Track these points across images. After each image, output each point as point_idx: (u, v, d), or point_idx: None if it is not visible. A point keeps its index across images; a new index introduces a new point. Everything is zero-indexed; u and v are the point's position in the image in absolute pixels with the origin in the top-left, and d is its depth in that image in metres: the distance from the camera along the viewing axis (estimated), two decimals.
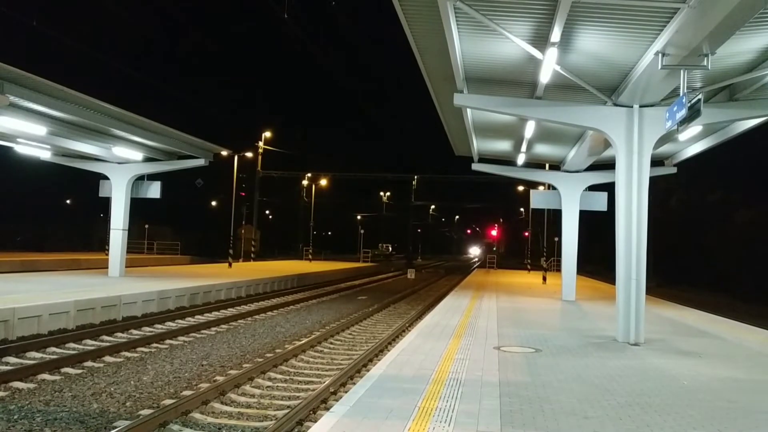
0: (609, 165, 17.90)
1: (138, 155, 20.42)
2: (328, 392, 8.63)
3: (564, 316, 15.66)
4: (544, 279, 30.40)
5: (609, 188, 18.61)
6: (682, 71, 9.21)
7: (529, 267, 44.71)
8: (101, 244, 41.62)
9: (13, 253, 38.68)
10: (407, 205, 73.18)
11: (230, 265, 31.92)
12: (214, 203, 68.54)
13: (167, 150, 20.83)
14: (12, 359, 10.22)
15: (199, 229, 68.72)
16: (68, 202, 75.99)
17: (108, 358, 10.64)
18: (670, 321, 15.06)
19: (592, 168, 19.60)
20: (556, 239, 31.89)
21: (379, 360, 9.93)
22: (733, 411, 6.68)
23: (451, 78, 11.73)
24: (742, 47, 9.44)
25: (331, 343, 13.41)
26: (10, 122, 14.82)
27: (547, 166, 21.80)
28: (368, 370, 9.04)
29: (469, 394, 6.93)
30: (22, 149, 19.36)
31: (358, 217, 79.92)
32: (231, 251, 33.75)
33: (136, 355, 11.11)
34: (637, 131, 11.14)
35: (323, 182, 56.70)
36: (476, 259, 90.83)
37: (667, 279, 43.54)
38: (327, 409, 7.14)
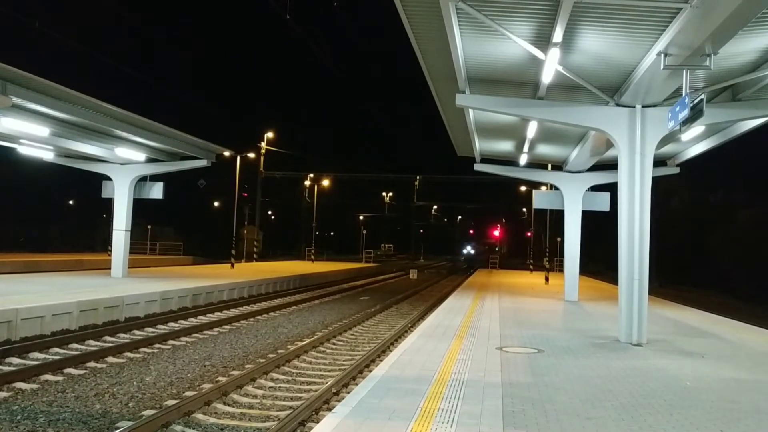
0: (611, 165, 17.89)
1: (140, 156, 20.44)
2: (330, 393, 8.63)
3: (566, 316, 15.65)
4: (547, 279, 30.38)
5: (612, 188, 18.60)
6: (684, 71, 9.20)
7: (531, 267, 44.67)
8: (104, 244, 41.71)
9: (16, 253, 38.77)
10: (409, 205, 73.27)
11: (232, 265, 31.94)
12: (216, 204, 68.61)
13: (170, 151, 20.85)
14: (15, 360, 10.24)
15: (202, 229, 68.79)
16: (71, 203, 76.13)
17: (111, 359, 10.65)
18: (672, 321, 15.04)
19: (595, 168, 19.58)
20: (559, 239, 31.86)
21: (381, 360, 9.93)
22: (735, 411, 6.66)
23: (453, 78, 11.73)
24: (744, 47, 9.42)
25: (334, 344, 13.42)
26: (13, 123, 14.85)
27: (549, 166, 21.80)
28: (371, 371, 9.04)
29: (472, 395, 6.93)
30: (25, 150, 19.40)
31: (360, 218, 79.95)
32: (233, 252, 33.79)
33: (138, 355, 11.12)
34: (640, 131, 11.13)
35: (325, 183, 56.69)
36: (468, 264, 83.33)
37: (670, 279, 43.47)
38: (329, 409, 7.14)
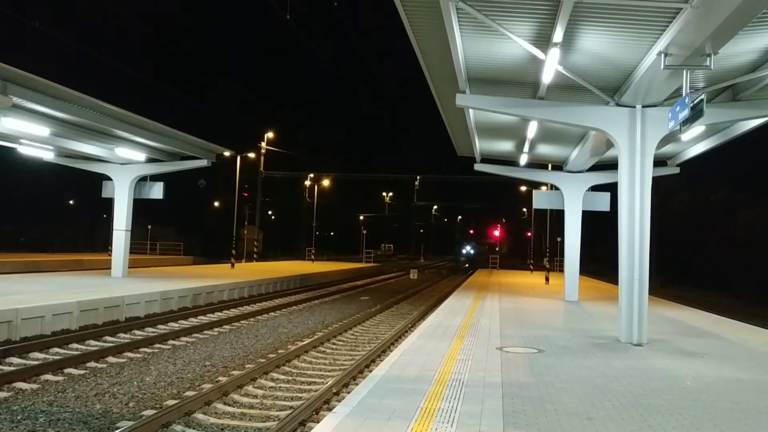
0: (612, 165, 17.89)
1: (141, 156, 20.45)
2: (330, 393, 8.63)
3: (567, 316, 15.65)
4: (547, 279, 30.38)
5: (612, 188, 18.60)
6: (684, 71, 9.19)
7: (531, 267, 44.67)
8: (104, 244, 41.71)
9: (16, 253, 38.77)
10: (409, 205, 73.28)
11: (233, 265, 31.95)
12: (216, 204, 68.64)
13: (170, 151, 20.86)
14: (15, 360, 10.24)
15: (202, 229, 68.81)
16: (71, 202, 76.13)
17: (111, 359, 10.66)
18: (672, 321, 15.04)
19: (595, 168, 19.58)
20: (559, 239, 31.86)
21: (381, 360, 9.93)
22: (736, 412, 6.66)
23: (453, 78, 11.73)
24: (744, 47, 9.43)
25: (334, 344, 13.42)
26: (14, 123, 14.86)
27: (549, 166, 21.80)
28: (371, 371, 9.05)
29: (472, 395, 6.93)
30: (25, 150, 19.41)
31: (361, 218, 79.98)
32: (233, 252, 33.79)
33: (139, 355, 11.13)
34: (640, 131, 11.13)
35: (326, 183, 56.69)
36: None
37: (670, 279, 43.47)
38: (329, 409, 7.14)
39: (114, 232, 21.90)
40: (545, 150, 19.26)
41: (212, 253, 51.25)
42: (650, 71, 9.80)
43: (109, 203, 24.91)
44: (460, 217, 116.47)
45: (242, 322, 15.98)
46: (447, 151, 24.17)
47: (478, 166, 21.83)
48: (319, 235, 61.19)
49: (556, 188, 20.91)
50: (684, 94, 9.06)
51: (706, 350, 10.68)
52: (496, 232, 72.96)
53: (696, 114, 8.68)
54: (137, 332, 13.56)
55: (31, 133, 16.10)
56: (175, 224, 65.11)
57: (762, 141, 29.20)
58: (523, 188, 44.45)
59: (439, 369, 8.27)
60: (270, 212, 80.00)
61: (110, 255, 23.11)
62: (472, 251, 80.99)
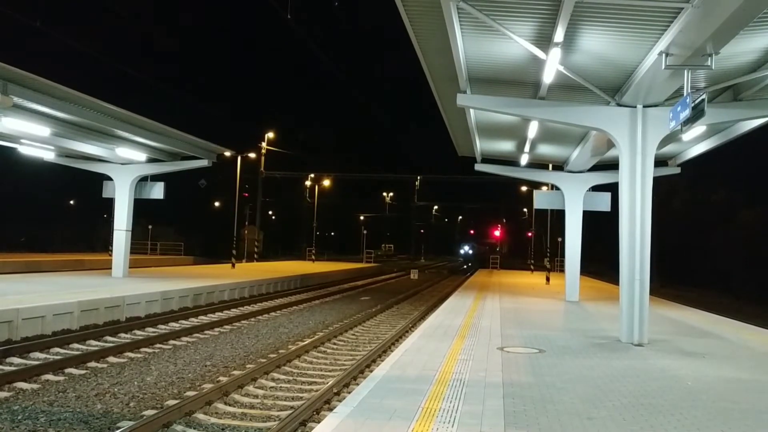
0: (612, 165, 17.89)
1: (141, 156, 20.45)
2: (331, 393, 8.63)
3: (567, 316, 15.64)
4: (548, 279, 30.37)
5: (613, 188, 18.59)
6: (685, 71, 9.18)
7: (532, 267, 44.65)
8: (105, 244, 41.72)
9: (16, 253, 38.78)
10: (410, 205, 73.34)
11: (233, 265, 31.94)
12: (217, 204, 68.60)
13: (170, 151, 20.86)
14: (16, 360, 10.24)
15: (203, 229, 68.82)
16: (72, 202, 76.11)
17: (112, 359, 10.66)
18: (673, 321, 15.03)
19: (596, 168, 19.58)
20: (560, 240, 31.85)
21: (382, 360, 9.93)
22: (737, 412, 6.66)
23: (454, 78, 11.73)
24: (746, 47, 9.42)
25: (335, 344, 13.42)
26: (14, 123, 14.86)
27: (550, 166, 21.79)
28: (372, 371, 9.05)
29: (473, 395, 6.93)
30: (26, 150, 19.41)
31: (361, 218, 79.99)
32: (234, 252, 33.80)
33: (139, 355, 11.12)
34: (641, 131, 11.12)
35: (326, 183, 56.69)
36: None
37: (671, 279, 43.45)
38: (330, 409, 7.14)
39: (114, 232, 21.90)
40: (546, 150, 19.25)
41: (213, 253, 51.25)
42: (651, 71, 9.79)
43: (109, 203, 24.93)
44: (460, 217, 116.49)
45: (243, 322, 15.97)
46: (447, 151, 24.21)
47: (479, 166, 21.82)
48: (319, 235, 61.22)
49: (557, 188, 20.89)
50: (685, 94, 9.05)
51: (706, 350, 10.68)
52: (497, 232, 72.93)
53: (697, 114, 8.68)
54: (138, 332, 13.56)
55: (31, 133, 16.10)
56: (176, 224, 65.11)
57: (762, 141, 29.16)
58: (524, 188, 44.44)
59: (440, 369, 8.27)
60: (270, 212, 79.98)
61: (111, 255, 23.12)
62: (472, 251, 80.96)
